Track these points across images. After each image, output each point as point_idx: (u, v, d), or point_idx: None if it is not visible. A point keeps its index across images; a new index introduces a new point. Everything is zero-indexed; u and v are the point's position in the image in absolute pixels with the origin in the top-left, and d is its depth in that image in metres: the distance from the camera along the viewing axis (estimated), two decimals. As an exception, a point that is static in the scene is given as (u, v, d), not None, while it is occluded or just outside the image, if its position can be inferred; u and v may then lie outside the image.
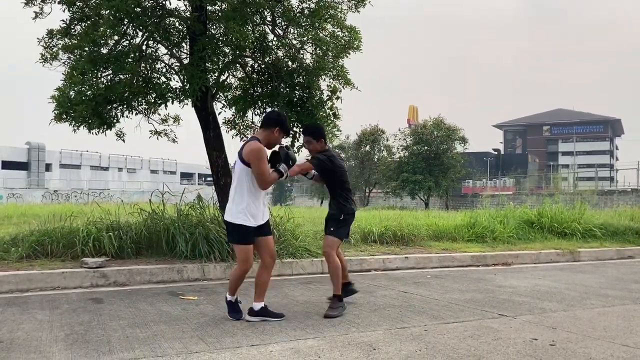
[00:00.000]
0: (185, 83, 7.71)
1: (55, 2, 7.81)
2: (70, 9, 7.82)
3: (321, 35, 8.26)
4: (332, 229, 5.27)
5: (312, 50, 8.46)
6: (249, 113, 8.88)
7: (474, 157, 54.92)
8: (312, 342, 4.07)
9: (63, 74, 7.81)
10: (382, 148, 49.72)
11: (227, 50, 8.15)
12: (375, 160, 49.67)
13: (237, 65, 8.71)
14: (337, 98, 8.56)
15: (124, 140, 8.87)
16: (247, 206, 4.61)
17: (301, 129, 8.62)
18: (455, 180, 45.21)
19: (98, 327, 4.43)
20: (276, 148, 4.89)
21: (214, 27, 8.35)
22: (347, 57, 8.41)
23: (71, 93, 7.54)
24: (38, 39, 8.09)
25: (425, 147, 42.13)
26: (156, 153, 70.76)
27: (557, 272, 8.44)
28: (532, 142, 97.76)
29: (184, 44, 8.46)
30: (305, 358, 3.69)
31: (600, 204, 27.58)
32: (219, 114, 8.93)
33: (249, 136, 9.43)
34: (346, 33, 8.41)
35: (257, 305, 4.74)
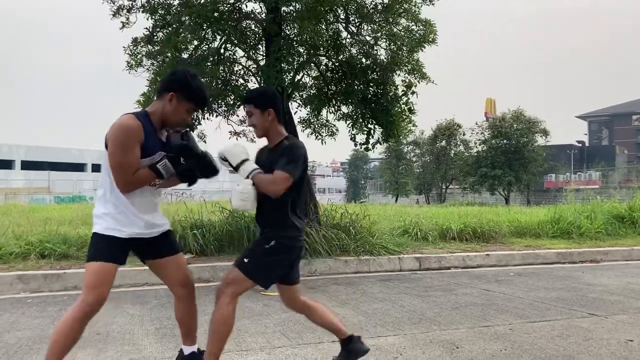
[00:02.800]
0: (262, 84, 7.89)
1: (139, 11, 8.20)
2: (153, 17, 8.18)
3: (395, 30, 8.21)
4: (245, 260, 3.00)
5: (386, 46, 8.43)
6: (324, 112, 8.96)
7: (556, 149, 52.71)
8: (393, 340, 4.05)
9: (147, 79, 8.20)
10: (458, 143, 48.71)
11: (301, 50, 8.25)
12: (452, 155, 48.71)
13: (312, 64, 8.80)
14: (413, 93, 8.47)
15: (205, 142, 9.18)
16: (114, 207, 2.83)
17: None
18: (537, 175, 43.56)
19: (185, 321, 4.60)
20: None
21: (289, 27, 8.47)
22: (422, 50, 8.30)
23: (155, 98, 7.89)
24: (124, 47, 8.52)
25: (505, 141, 40.90)
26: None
27: (652, 270, 7.95)
28: (619, 133, 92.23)
29: (260, 46, 8.65)
30: (387, 355, 3.68)
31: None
32: (294, 113, 9.07)
33: (323, 135, 9.56)
34: (421, 27, 8.30)
35: (186, 349, 3.20)
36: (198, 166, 2.92)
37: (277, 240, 3.00)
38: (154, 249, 3.00)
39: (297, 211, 3.10)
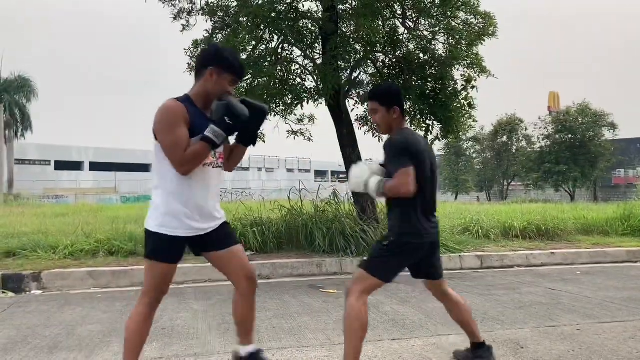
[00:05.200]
0: (319, 83, 7.92)
1: (199, 14, 8.40)
2: (212, 19, 8.36)
3: (453, 24, 8.04)
4: (365, 259, 3.19)
5: (445, 40, 8.27)
6: (381, 108, 8.90)
7: (625, 143, 50.32)
8: (454, 339, 3.98)
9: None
10: (520, 138, 47.41)
11: (358, 48, 8.23)
12: (514, 151, 47.42)
13: (368, 61, 8.76)
14: (472, 87, 8.28)
15: (264, 141, 9.30)
16: (166, 203, 2.75)
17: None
18: (605, 170, 41.77)
19: (247, 317, 4.68)
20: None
21: (345, 25, 8.46)
22: (481, 44, 8.10)
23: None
24: (185, 49, 8.75)
25: (570, 135, 39.43)
26: (290, 152, 73.58)
27: None
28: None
29: (316, 45, 8.68)
30: (448, 354, 3.62)
31: None
32: (352, 110, 9.06)
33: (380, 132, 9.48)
34: (480, 19, 8.10)
35: (244, 350, 3.06)
36: (241, 117, 2.71)
37: (393, 239, 3.05)
38: (213, 240, 2.89)
39: (419, 209, 3.06)
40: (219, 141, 2.67)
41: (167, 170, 2.71)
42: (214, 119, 2.69)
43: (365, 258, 3.17)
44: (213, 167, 2.85)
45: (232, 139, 3.00)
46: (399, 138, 3.07)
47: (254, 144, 3.02)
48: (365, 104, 8.86)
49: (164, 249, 2.75)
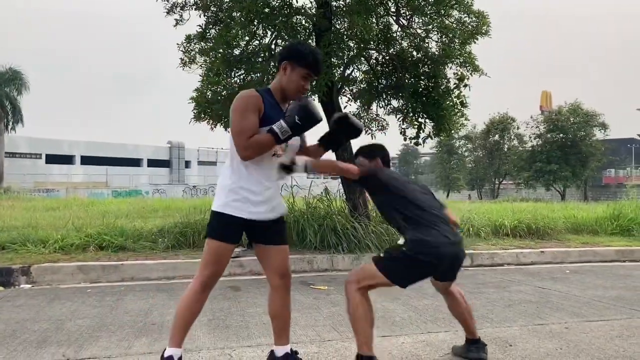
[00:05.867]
0: (312, 79, 7.90)
1: (192, 8, 8.36)
2: (206, 14, 8.33)
3: (447, 22, 8.06)
4: (381, 255, 3.08)
5: (438, 39, 8.29)
6: (374, 106, 8.91)
7: (615, 143, 50.64)
8: (444, 336, 4.00)
9: (200, 75, 8.35)
10: (512, 137, 47.61)
11: (351, 45, 8.22)
12: (505, 150, 47.61)
13: (362, 58, 8.76)
14: (465, 86, 8.31)
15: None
16: (233, 185, 2.86)
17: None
18: (595, 170, 42.03)
19: (237, 314, 4.69)
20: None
21: (339, 22, 8.45)
22: (474, 42, 8.13)
23: (208, 93, 8.04)
24: (177, 44, 8.71)
25: (561, 135, 39.64)
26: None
27: None
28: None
29: (310, 41, 8.66)
30: (438, 351, 3.64)
31: None
32: (344, 107, 9.05)
33: (373, 129, 9.49)
34: (473, 18, 8.12)
35: (281, 350, 3.12)
36: (311, 119, 2.77)
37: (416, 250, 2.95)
38: (267, 234, 2.98)
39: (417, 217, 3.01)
40: (283, 136, 2.74)
41: (236, 154, 2.82)
42: (287, 115, 2.77)
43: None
44: (277, 156, 2.93)
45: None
46: None
47: (334, 150, 3.16)
48: (358, 101, 8.87)
49: (223, 228, 2.85)
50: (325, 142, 3.10)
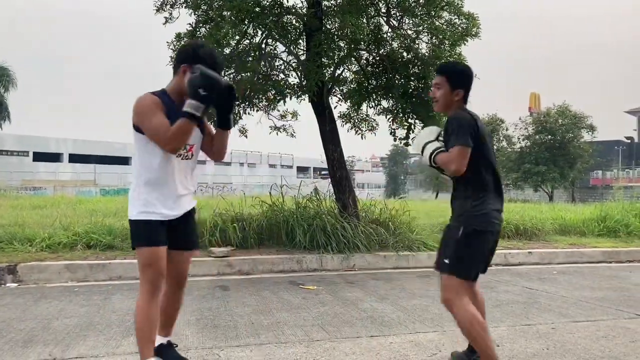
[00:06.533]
0: (302, 79, 7.90)
1: (182, 6, 8.32)
2: (196, 12, 8.28)
3: (437, 23, 8.07)
4: (446, 261, 3.06)
5: (428, 40, 8.30)
6: (364, 106, 8.90)
7: (603, 146, 51.05)
8: (432, 336, 4.02)
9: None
10: (501, 138, 47.77)
11: (342, 45, 8.21)
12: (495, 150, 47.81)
13: (352, 58, 8.75)
14: (455, 87, 8.32)
15: (246, 136, 9.26)
16: (145, 192, 2.89)
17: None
18: (583, 171, 42.36)
19: (225, 313, 4.68)
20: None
21: (330, 22, 8.45)
22: (464, 44, 8.15)
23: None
24: (167, 42, 8.66)
25: (549, 136, 39.80)
26: (272, 148, 73.47)
27: None
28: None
29: (300, 41, 8.65)
30: (426, 351, 3.65)
31: None
32: (335, 108, 9.05)
33: (363, 130, 9.50)
34: (464, 20, 8.15)
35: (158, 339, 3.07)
36: (214, 83, 2.70)
37: (465, 227, 2.95)
38: (177, 236, 2.99)
39: (488, 191, 2.99)
40: (198, 112, 2.71)
41: (145, 159, 2.86)
42: (189, 94, 2.71)
43: (445, 259, 3.07)
44: (182, 159, 2.96)
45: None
46: (460, 116, 2.99)
47: (229, 126, 3.02)
48: (348, 101, 8.87)
49: (145, 233, 2.86)
50: (217, 122, 3.00)
